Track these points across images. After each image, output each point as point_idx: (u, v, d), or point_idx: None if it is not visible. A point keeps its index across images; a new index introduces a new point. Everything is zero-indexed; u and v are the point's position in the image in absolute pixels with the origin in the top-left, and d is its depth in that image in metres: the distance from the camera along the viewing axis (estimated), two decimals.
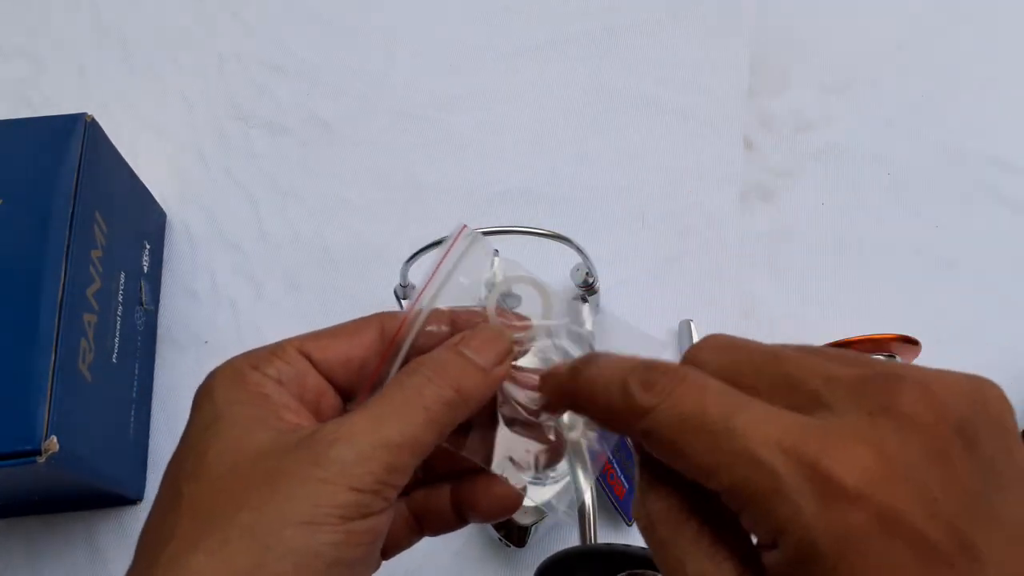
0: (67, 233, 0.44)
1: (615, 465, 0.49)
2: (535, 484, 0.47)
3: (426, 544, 0.50)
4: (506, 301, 0.34)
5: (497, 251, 0.51)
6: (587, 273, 0.51)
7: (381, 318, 0.28)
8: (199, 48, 0.66)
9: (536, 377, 0.28)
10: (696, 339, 0.52)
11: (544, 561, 0.35)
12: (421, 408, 0.25)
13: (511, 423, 0.28)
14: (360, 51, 0.65)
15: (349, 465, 0.24)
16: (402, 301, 0.52)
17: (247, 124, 0.63)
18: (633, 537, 0.49)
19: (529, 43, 0.65)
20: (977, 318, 0.54)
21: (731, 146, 0.60)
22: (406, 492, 0.28)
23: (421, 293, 0.28)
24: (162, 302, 0.57)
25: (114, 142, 0.51)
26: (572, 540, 0.49)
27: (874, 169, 0.59)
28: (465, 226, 0.28)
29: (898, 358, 0.49)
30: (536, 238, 0.47)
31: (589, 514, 0.39)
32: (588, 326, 0.51)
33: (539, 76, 0.63)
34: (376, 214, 0.59)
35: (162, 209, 0.59)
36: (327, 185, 0.60)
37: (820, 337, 0.49)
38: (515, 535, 0.47)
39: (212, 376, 0.27)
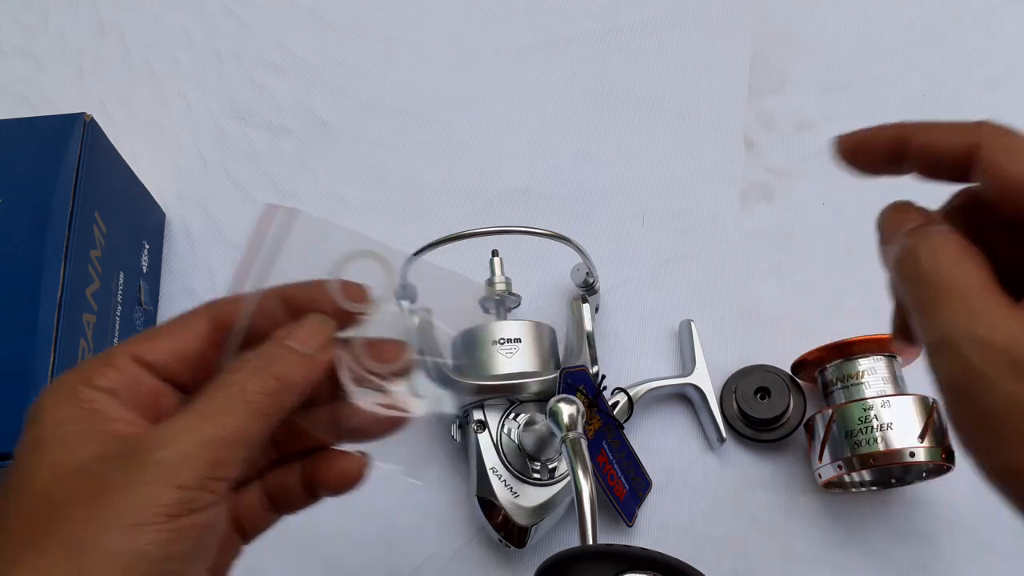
0: (66, 233, 0.44)
1: (615, 466, 0.49)
2: (536, 485, 0.47)
3: (426, 544, 0.50)
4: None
5: (496, 251, 0.51)
6: (587, 273, 0.51)
7: (209, 308, 0.29)
8: (199, 48, 0.66)
9: (384, 344, 0.30)
10: (697, 339, 0.52)
11: (544, 562, 0.35)
12: (243, 402, 0.26)
13: (359, 382, 0.29)
14: (360, 51, 0.65)
15: (174, 465, 0.25)
16: (401, 302, 0.52)
17: (246, 124, 0.63)
18: (633, 537, 0.49)
19: (529, 43, 0.65)
20: None
21: (732, 146, 0.60)
22: (260, 474, 0.31)
23: (242, 279, 0.28)
24: (161, 302, 0.57)
25: (113, 142, 0.51)
26: (572, 540, 0.49)
27: None
28: (279, 207, 0.29)
29: (899, 359, 0.49)
30: (536, 238, 0.47)
31: (588, 514, 0.39)
32: (588, 326, 0.50)
33: (539, 76, 0.63)
34: (376, 214, 0.59)
35: (161, 209, 0.59)
36: (327, 185, 0.60)
37: (821, 337, 0.49)
38: (515, 536, 0.47)
39: (41, 396, 0.28)
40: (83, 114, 0.48)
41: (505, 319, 0.51)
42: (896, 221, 0.29)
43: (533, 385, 0.48)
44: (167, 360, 0.28)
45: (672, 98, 0.62)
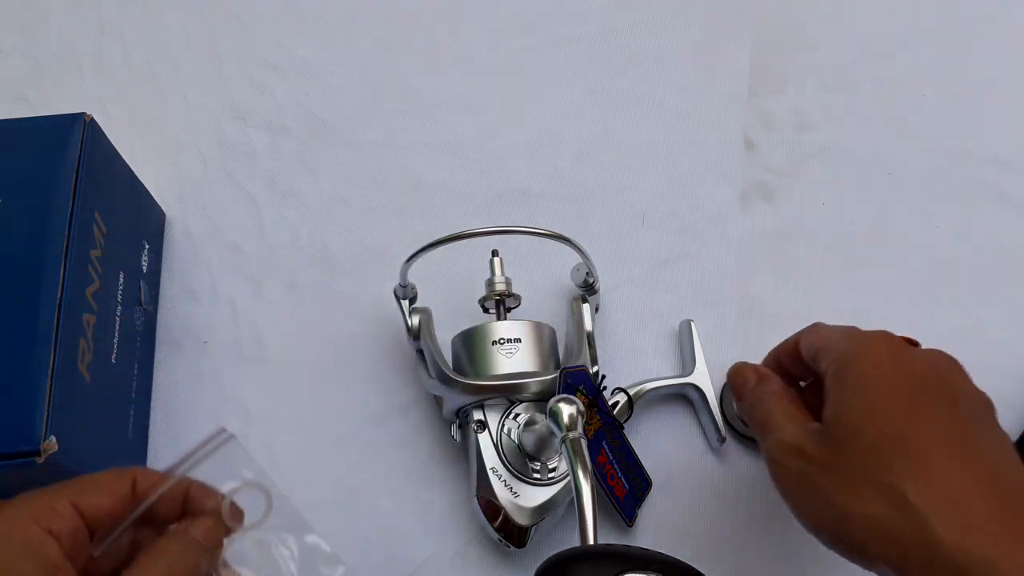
0: (66, 233, 0.44)
1: (615, 466, 0.49)
2: (536, 485, 0.47)
3: (426, 545, 0.50)
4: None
5: (496, 251, 0.51)
6: (587, 273, 0.51)
7: (133, 476, 0.34)
8: (199, 48, 0.66)
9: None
10: (696, 339, 0.52)
11: (544, 562, 0.35)
12: None
13: None
14: (360, 51, 0.65)
15: None
16: (401, 302, 0.52)
17: (247, 124, 0.63)
18: (633, 537, 0.49)
19: (529, 43, 0.65)
20: (977, 318, 0.54)
21: (732, 146, 0.60)
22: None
23: (172, 470, 0.35)
24: (161, 302, 0.57)
25: (113, 142, 0.51)
26: (572, 540, 0.49)
27: (874, 169, 0.59)
28: (223, 430, 0.36)
29: None
30: (536, 238, 0.47)
31: (588, 514, 0.39)
32: (588, 326, 0.50)
33: (539, 76, 0.63)
34: (375, 214, 0.59)
35: (161, 209, 0.59)
36: (327, 185, 0.60)
37: None
38: (515, 536, 0.47)
39: None
40: (83, 114, 0.48)
41: (505, 319, 0.51)
42: (739, 382, 0.43)
43: (533, 385, 0.47)
44: (95, 512, 0.32)
45: (672, 98, 0.62)
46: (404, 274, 0.49)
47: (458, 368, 0.49)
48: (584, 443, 0.40)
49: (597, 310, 0.54)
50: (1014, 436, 0.49)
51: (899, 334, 0.47)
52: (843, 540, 0.33)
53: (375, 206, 0.60)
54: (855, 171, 0.59)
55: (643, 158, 0.60)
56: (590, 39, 0.64)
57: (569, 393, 0.46)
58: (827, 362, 0.38)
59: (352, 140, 0.62)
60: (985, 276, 0.56)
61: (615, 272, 0.56)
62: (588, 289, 0.52)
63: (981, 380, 0.52)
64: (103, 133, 0.50)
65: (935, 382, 0.36)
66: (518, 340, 0.48)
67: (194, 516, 0.35)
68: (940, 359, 0.37)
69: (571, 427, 0.40)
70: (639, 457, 0.50)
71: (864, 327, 0.48)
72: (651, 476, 0.50)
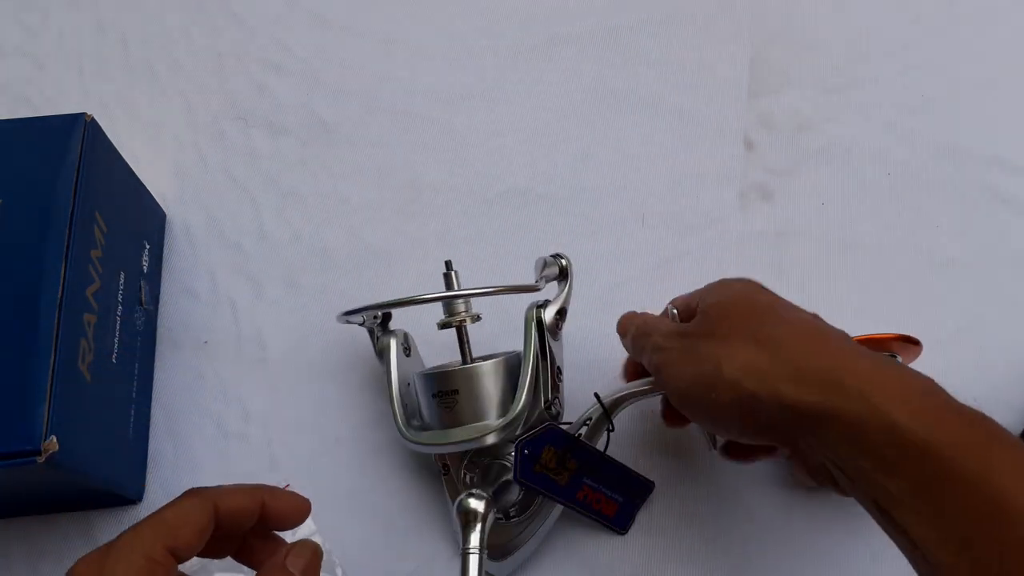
0: (67, 233, 0.44)
1: (603, 491, 0.47)
2: (508, 522, 0.46)
3: (426, 545, 0.50)
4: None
5: (450, 263, 0.49)
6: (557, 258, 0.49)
7: (213, 500, 0.35)
8: (199, 48, 0.66)
9: None
10: None
11: None
12: None
13: None
14: (360, 51, 0.65)
15: None
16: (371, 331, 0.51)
17: (247, 124, 0.63)
18: (631, 538, 0.49)
19: (529, 43, 0.65)
20: (977, 318, 0.54)
21: (731, 146, 0.60)
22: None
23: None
24: (162, 302, 0.57)
25: (114, 142, 0.51)
26: (561, 547, 0.49)
27: (874, 169, 0.59)
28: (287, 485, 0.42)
29: (899, 358, 0.49)
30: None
31: None
32: (535, 350, 0.46)
33: (539, 76, 0.63)
34: (376, 214, 0.59)
35: (162, 209, 0.59)
36: (327, 185, 0.60)
37: None
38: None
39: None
40: (83, 114, 0.48)
41: (467, 348, 0.47)
42: (625, 324, 0.47)
43: (469, 443, 0.44)
44: (186, 552, 0.34)
45: (672, 98, 0.62)
46: (345, 320, 0.48)
47: (417, 417, 0.48)
48: (473, 559, 0.39)
49: (560, 326, 0.48)
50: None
51: (899, 334, 0.48)
52: (717, 387, 0.38)
53: (375, 206, 0.60)
54: (855, 171, 0.59)
55: (643, 158, 0.60)
56: (590, 39, 0.64)
57: (533, 457, 0.44)
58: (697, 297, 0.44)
59: (352, 140, 0.62)
60: (985, 276, 0.56)
61: (615, 272, 0.56)
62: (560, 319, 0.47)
63: (981, 380, 0.53)
64: (103, 133, 0.50)
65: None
66: (455, 392, 0.44)
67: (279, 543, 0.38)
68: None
69: (466, 539, 0.40)
70: (631, 468, 0.49)
71: (864, 327, 0.48)
72: (652, 477, 0.50)
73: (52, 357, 0.41)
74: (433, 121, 0.62)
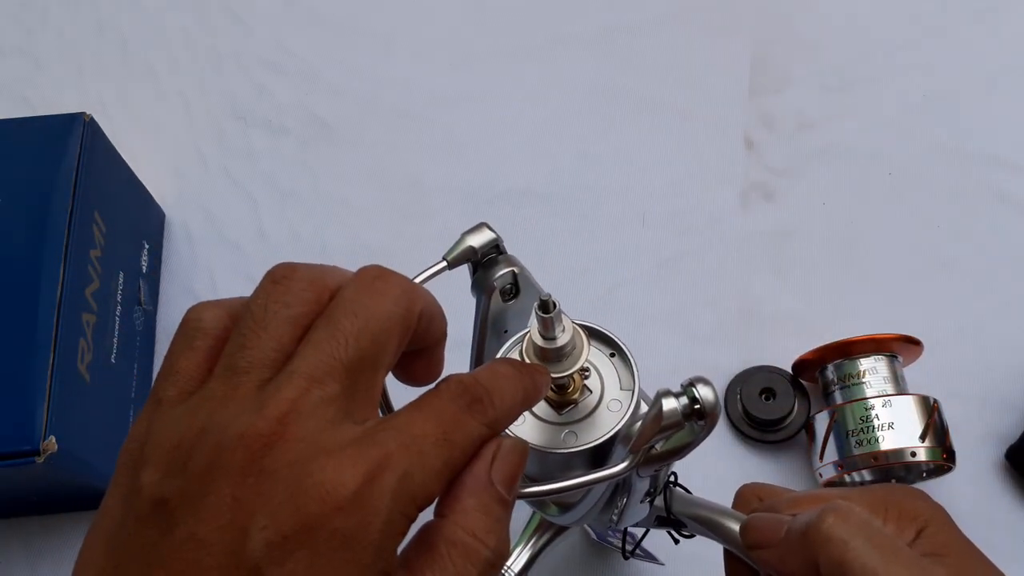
0: (65, 233, 0.44)
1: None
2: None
3: None
4: None
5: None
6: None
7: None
8: (198, 47, 0.66)
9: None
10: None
11: None
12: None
13: None
14: (360, 51, 0.65)
15: None
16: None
17: (246, 124, 0.63)
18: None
19: (530, 43, 0.64)
20: (977, 318, 0.54)
21: (732, 145, 0.60)
22: None
23: None
24: (161, 302, 0.57)
25: (113, 141, 0.51)
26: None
27: (875, 169, 0.59)
28: None
29: (900, 358, 0.49)
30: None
31: None
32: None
33: (539, 76, 0.63)
34: (375, 214, 0.59)
35: (161, 209, 0.59)
36: (327, 185, 0.60)
37: (821, 337, 0.49)
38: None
39: None
40: (83, 114, 0.48)
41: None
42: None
43: None
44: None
45: (672, 98, 0.62)
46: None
47: None
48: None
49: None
50: (1014, 436, 0.49)
51: (899, 334, 0.48)
52: None
53: (375, 206, 0.59)
54: (855, 171, 0.59)
55: (643, 158, 0.60)
56: (590, 38, 0.64)
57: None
58: None
59: (352, 140, 0.62)
60: (985, 276, 0.56)
61: (615, 272, 0.56)
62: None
63: (981, 380, 0.53)
64: (103, 133, 0.50)
65: None
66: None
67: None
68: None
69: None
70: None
71: (864, 327, 0.48)
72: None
73: (51, 357, 0.41)
74: (433, 121, 0.62)
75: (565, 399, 0.31)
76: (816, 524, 0.27)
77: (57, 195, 0.45)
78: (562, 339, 0.28)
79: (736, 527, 0.32)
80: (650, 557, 0.43)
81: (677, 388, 0.27)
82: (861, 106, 0.61)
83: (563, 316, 0.28)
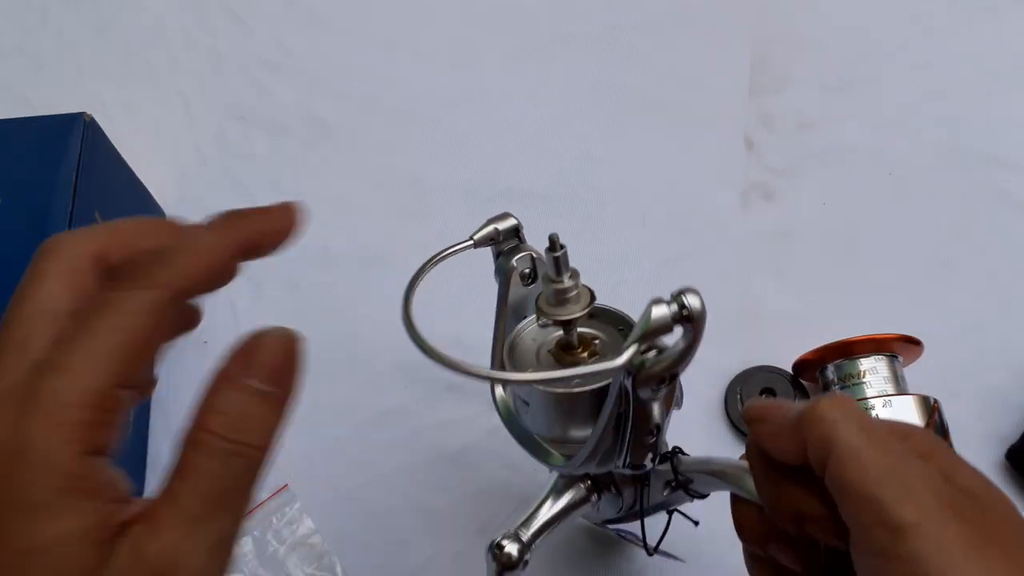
0: None
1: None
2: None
3: (428, 546, 0.50)
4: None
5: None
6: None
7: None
8: (198, 47, 0.66)
9: None
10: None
11: None
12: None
13: None
14: (361, 51, 0.65)
15: None
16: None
17: (247, 124, 0.63)
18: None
19: (530, 43, 0.65)
20: (977, 318, 0.54)
21: (732, 145, 0.60)
22: None
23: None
24: None
25: (113, 141, 0.51)
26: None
27: (875, 169, 0.59)
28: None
29: (900, 358, 0.49)
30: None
31: None
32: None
33: (540, 76, 0.63)
34: (376, 214, 0.59)
35: (161, 208, 0.59)
36: (327, 185, 0.60)
37: (821, 337, 0.49)
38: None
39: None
40: (83, 114, 0.48)
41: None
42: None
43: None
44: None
45: (673, 98, 0.62)
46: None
47: None
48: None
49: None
50: (1014, 436, 0.49)
51: (899, 334, 0.48)
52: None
53: (375, 206, 0.59)
54: (855, 171, 0.59)
55: (644, 158, 0.60)
56: (591, 39, 0.64)
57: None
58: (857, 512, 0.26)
59: (353, 140, 0.62)
60: (985, 276, 0.56)
61: (615, 272, 0.56)
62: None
63: (981, 380, 0.53)
64: (103, 133, 0.50)
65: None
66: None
67: None
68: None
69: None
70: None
71: (864, 327, 0.48)
72: None
73: None
74: (434, 121, 0.62)
75: (575, 359, 0.33)
76: (812, 405, 0.28)
77: (57, 195, 0.45)
78: (568, 283, 0.32)
79: (740, 473, 0.32)
80: (670, 555, 0.44)
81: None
82: (861, 106, 0.61)
83: (569, 265, 0.33)
